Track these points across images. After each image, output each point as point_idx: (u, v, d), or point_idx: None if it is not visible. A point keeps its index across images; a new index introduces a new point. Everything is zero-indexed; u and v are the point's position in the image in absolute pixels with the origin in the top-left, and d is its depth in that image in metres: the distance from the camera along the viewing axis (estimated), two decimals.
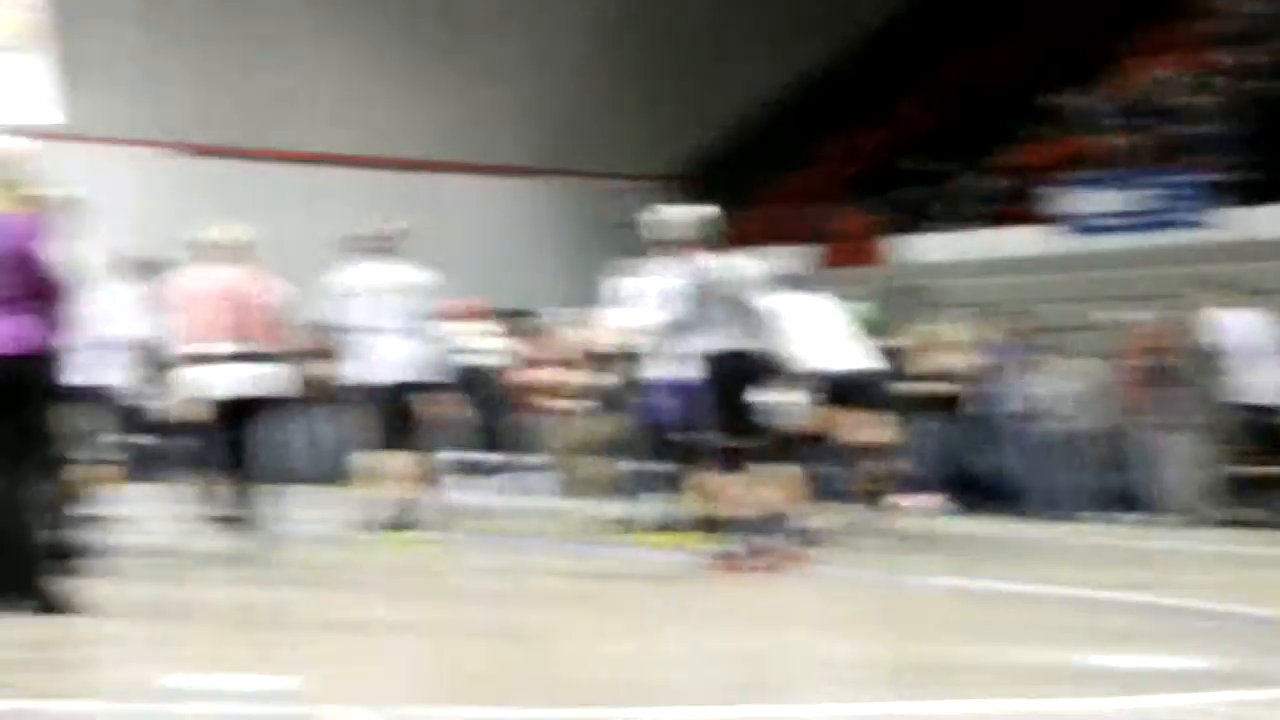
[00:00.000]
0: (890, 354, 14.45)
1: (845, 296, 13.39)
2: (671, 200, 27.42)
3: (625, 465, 14.24)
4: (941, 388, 17.72)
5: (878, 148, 27.05)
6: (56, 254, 7.96)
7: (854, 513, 13.37)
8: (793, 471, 12.29)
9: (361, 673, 6.72)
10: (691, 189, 28.03)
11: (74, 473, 9.99)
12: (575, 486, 16.18)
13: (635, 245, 12.53)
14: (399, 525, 12.47)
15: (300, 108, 26.93)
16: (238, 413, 11.10)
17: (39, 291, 7.90)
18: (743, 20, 28.86)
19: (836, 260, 24.49)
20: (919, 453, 17.82)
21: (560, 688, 6.45)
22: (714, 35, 28.96)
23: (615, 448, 14.37)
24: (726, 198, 27.63)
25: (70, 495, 9.87)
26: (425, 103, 27.69)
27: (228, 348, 11.02)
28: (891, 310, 21.50)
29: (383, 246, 12.93)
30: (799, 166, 27.38)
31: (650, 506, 13.33)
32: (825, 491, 13.04)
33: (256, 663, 6.84)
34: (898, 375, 17.61)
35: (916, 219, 24.54)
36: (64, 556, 9.17)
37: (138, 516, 12.22)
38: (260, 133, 26.72)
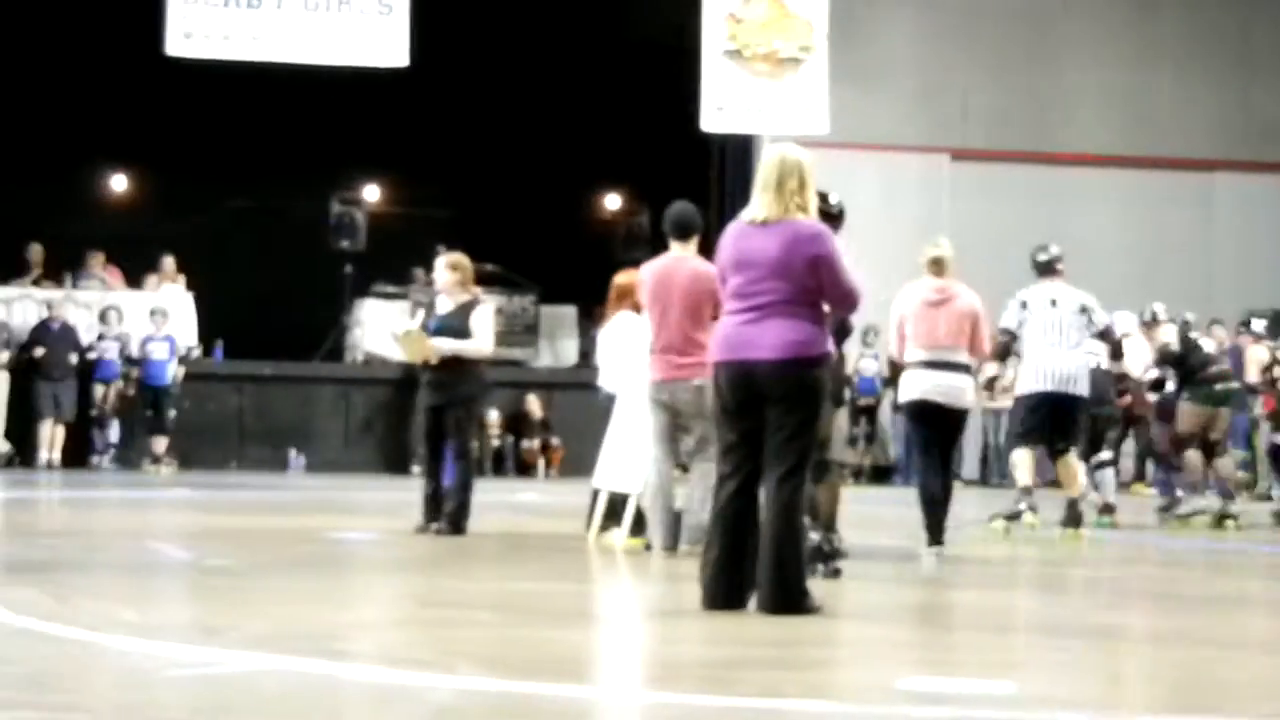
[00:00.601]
0: None
1: None
2: None
3: None
4: None
5: None
6: (838, 260, 8.08)
7: None
8: None
9: (1078, 677, 6.61)
10: None
11: (833, 476, 10.28)
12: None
13: None
14: (1069, 521, 13.68)
15: (1071, 109, 26.79)
16: (940, 419, 11.77)
17: (819, 297, 8.06)
18: None
19: None
20: None
21: None
22: None
23: None
24: None
25: (830, 499, 10.16)
26: (1202, 99, 27.01)
27: (937, 356, 11.77)
28: None
29: (1050, 268, 13.88)
30: None
31: None
32: None
33: (979, 666, 6.82)
34: None
35: None
36: (819, 559, 9.45)
37: (871, 519, 12.70)
38: (1031, 135, 26.73)
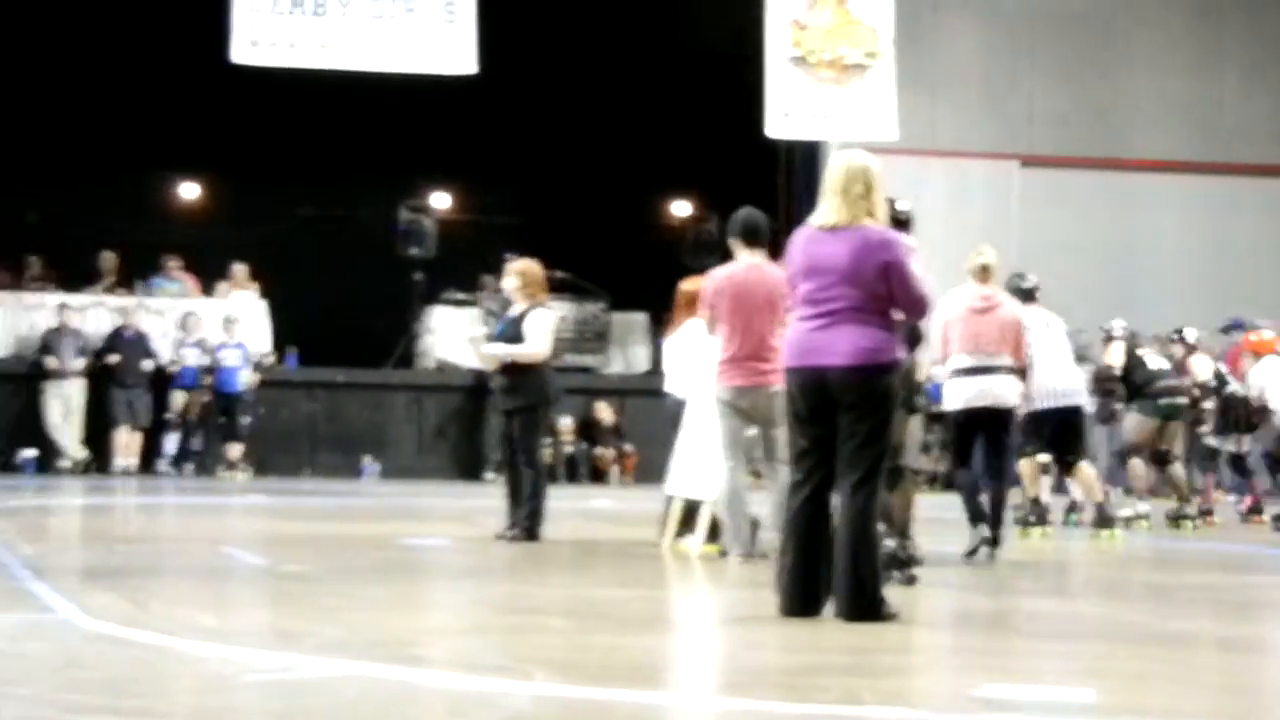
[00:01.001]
0: None
1: None
2: None
3: None
4: None
5: None
6: (908, 267, 8.06)
7: None
8: None
9: (1157, 686, 6.57)
10: None
11: (906, 483, 10.26)
12: None
13: None
14: (1100, 524, 14.49)
15: (1137, 115, 26.61)
16: (989, 422, 12.22)
17: (889, 304, 8.04)
18: None
19: None
20: None
21: None
22: None
23: None
24: None
25: (904, 505, 10.14)
26: (1267, 104, 26.81)
27: (980, 361, 12.37)
28: None
29: (1032, 295, 14.42)
30: None
31: None
32: None
33: (1057, 674, 6.80)
34: None
35: None
36: (894, 565, 9.42)
37: (945, 525, 12.72)
38: (1097, 141, 26.60)
